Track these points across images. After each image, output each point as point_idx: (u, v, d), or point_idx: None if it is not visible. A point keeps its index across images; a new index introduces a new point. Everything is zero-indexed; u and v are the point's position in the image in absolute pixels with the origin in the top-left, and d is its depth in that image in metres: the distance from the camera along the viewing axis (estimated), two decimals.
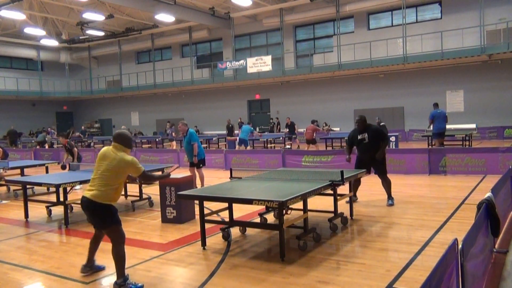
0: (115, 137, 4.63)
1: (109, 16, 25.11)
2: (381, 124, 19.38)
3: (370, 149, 7.62)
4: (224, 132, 26.48)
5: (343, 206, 6.82)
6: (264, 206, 6.08)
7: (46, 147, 22.98)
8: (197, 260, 5.22)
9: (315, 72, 25.04)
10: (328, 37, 26.47)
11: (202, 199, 5.67)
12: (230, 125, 23.93)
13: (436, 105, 14.58)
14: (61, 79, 35.14)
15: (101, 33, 29.31)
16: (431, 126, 14.09)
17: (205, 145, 22.69)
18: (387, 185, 7.84)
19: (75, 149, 12.16)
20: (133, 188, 9.03)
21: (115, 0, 22.66)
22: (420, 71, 23.15)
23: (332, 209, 6.34)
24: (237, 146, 18.28)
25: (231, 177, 6.89)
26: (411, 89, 23.64)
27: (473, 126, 20.61)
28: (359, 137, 7.74)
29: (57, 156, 18.45)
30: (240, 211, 7.33)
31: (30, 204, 8.19)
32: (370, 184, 10.35)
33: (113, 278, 4.81)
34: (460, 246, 2.83)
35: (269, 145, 21.24)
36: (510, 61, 20.96)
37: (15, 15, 23.69)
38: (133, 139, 4.51)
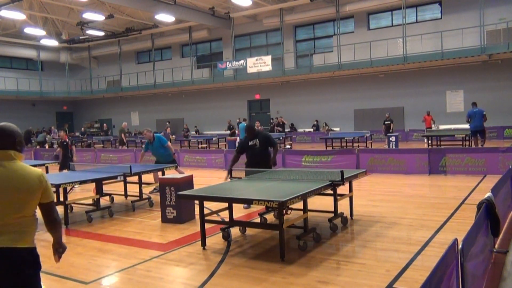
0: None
1: (109, 16, 25.10)
2: (390, 119, 19.41)
3: (261, 154, 7.83)
4: (224, 132, 26.56)
5: (343, 206, 6.82)
6: (264, 206, 6.08)
7: (46, 147, 22.98)
8: (197, 260, 5.22)
9: (315, 72, 25.04)
10: (328, 37, 26.47)
11: (202, 199, 5.67)
12: (231, 126, 23.97)
13: (474, 104, 15.03)
14: (61, 79, 35.14)
15: (101, 33, 29.31)
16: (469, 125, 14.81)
17: (205, 145, 22.71)
18: None
19: (74, 147, 12.06)
20: (133, 188, 9.03)
21: (115, 0, 22.65)
22: (420, 71, 23.15)
23: (332, 209, 6.34)
24: None
25: (231, 177, 6.89)
26: (411, 89, 23.64)
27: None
28: (250, 143, 7.86)
29: (57, 156, 18.44)
30: (240, 211, 7.32)
31: None
32: (370, 184, 10.36)
33: (114, 278, 4.82)
34: (460, 246, 2.83)
35: None
36: (510, 61, 20.96)
37: (15, 15, 23.68)
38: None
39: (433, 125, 20.00)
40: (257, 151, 7.78)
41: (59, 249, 3.01)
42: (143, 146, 10.41)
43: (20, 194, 2.68)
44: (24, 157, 2.90)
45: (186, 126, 28.10)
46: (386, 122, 19.33)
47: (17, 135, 2.78)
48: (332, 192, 6.16)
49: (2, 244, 2.63)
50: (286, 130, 25.40)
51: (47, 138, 25.58)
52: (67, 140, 11.87)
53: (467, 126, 19.19)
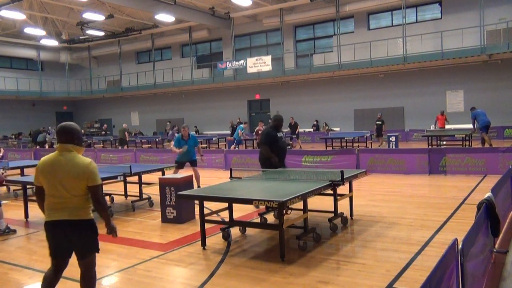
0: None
1: (109, 16, 25.09)
2: (381, 120, 19.39)
3: (285, 148, 7.81)
4: (224, 132, 26.56)
5: (343, 206, 6.82)
6: (264, 206, 6.08)
7: (46, 147, 22.94)
8: (197, 260, 5.22)
9: (315, 72, 25.03)
10: (328, 37, 26.47)
11: (202, 199, 5.67)
12: (234, 126, 23.97)
13: (474, 108, 15.98)
14: (61, 79, 35.14)
15: (101, 33, 29.30)
16: (476, 124, 15.40)
17: (205, 145, 22.72)
18: None
19: None
20: (133, 188, 9.04)
21: (115, 0, 22.66)
22: (420, 71, 23.15)
23: (332, 209, 6.34)
24: (232, 146, 18.42)
25: (231, 177, 6.89)
26: (411, 89, 23.63)
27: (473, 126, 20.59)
28: (278, 135, 7.58)
29: None
30: (240, 211, 7.32)
31: (30, 204, 8.19)
32: (370, 184, 10.36)
33: (114, 278, 4.82)
34: (460, 246, 2.83)
35: None
36: (510, 61, 20.95)
37: (15, 15, 23.68)
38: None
39: (446, 125, 19.64)
40: (284, 144, 7.72)
41: (108, 231, 3.76)
42: (173, 139, 10.77)
43: (70, 178, 3.47)
44: (83, 150, 3.70)
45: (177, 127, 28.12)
46: (377, 123, 19.29)
47: (75, 132, 3.60)
48: (332, 192, 6.16)
49: (64, 217, 3.49)
50: (284, 130, 25.22)
51: (46, 138, 25.55)
52: None
53: (467, 126, 19.27)
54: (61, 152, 3.54)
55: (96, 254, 3.72)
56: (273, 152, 7.36)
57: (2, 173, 10.41)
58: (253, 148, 19.77)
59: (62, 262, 3.69)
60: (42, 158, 3.60)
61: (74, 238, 3.54)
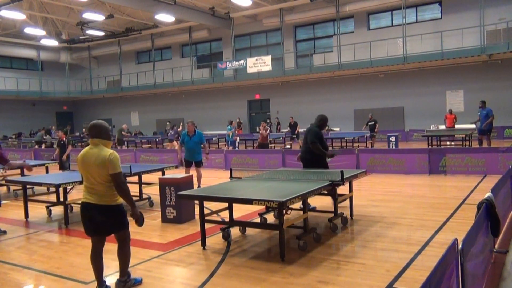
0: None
1: (109, 16, 25.09)
2: (373, 120, 19.35)
3: None
4: (224, 132, 26.54)
5: (343, 206, 6.81)
6: (264, 206, 6.08)
7: (43, 146, 22.86)
8: (197, 260, 5.22)
9: (315, 72, 25.02)
10: (328, 37, 26.46)
11: (202, 199, 5.67)
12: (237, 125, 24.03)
13: (484, 103, 14.83)
14: (61, 79, 35.14)
15: (101, 33, 29.30)
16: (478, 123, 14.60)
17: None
18: None
19: (70, 146, 12.28)
20: (133, 188, 9.02)
21: (115, 0, 22.65)
22: (420, 71, 23.14)
23: (332, 209, 6.34)
24: (227, 147, 18.47)
25: (231, 177, 6.89)
26: (411, 89, 23.63)
27: (473, 126, 20.56)
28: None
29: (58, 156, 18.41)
30: (240, 211, 7.32)
31: (30, 204, 8.19)
32: (370, 184, 10.36)
33: (114, 278, 4.81)
34: (460, 246, 2.83)
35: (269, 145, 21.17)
36: (510, 61, 20.94)
37: (15, 15, 23.69)
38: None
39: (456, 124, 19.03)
40: (327, 144, 7.70)
41: (132, 217, 4.24)
42: (179, 137, 10.66)
43: (95, 167, 4.09)
44: (111, 143, 4.31)
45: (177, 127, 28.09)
46: (369, 123, 19.24)
47: (102, 128, 4.23)
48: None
49: (93, 201, 4.12)
50: (284, 130, 25.24)
51: (45, 138, 25.49)
52: (64, 139, 12.14)
53: (467, 126, 19.22)
54: (91, 145, 4.22)
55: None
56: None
57: (2, 173, 10.43)
58: (252, 148, 19.78)
59: (95, 240, 4.28)
60: (80, 152, 4.28)
61: (100, 220, 4.13)
